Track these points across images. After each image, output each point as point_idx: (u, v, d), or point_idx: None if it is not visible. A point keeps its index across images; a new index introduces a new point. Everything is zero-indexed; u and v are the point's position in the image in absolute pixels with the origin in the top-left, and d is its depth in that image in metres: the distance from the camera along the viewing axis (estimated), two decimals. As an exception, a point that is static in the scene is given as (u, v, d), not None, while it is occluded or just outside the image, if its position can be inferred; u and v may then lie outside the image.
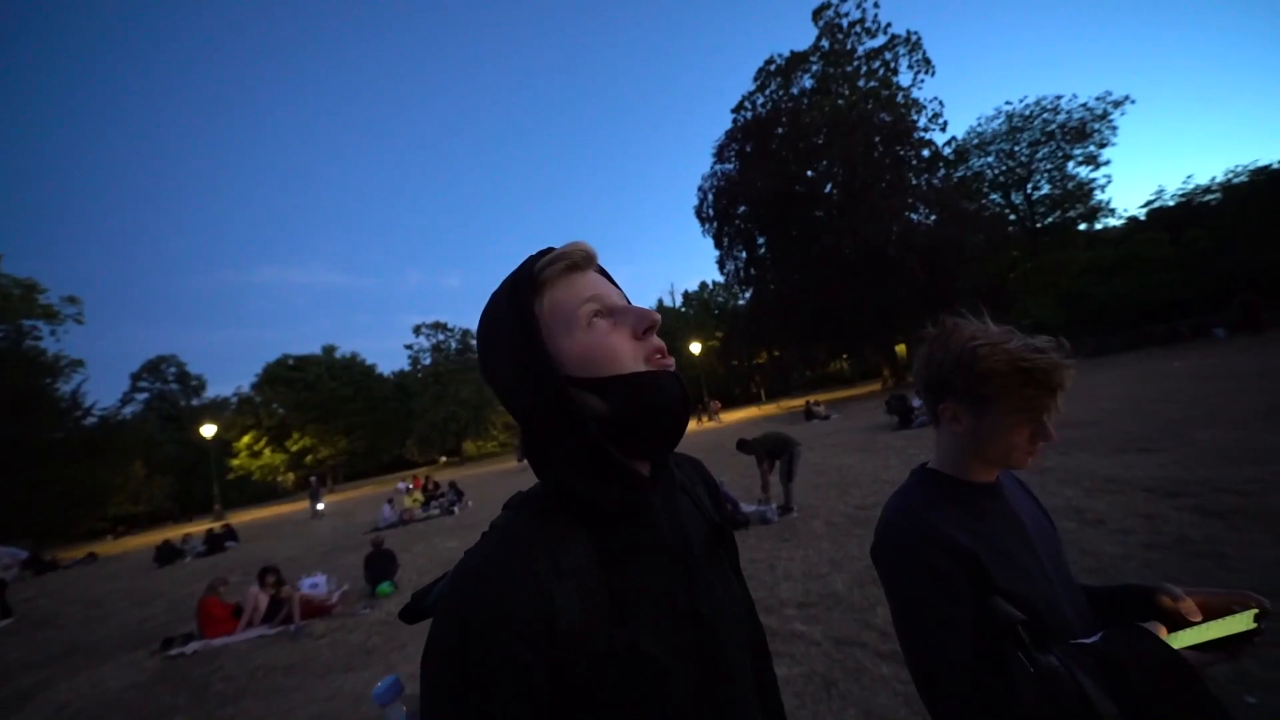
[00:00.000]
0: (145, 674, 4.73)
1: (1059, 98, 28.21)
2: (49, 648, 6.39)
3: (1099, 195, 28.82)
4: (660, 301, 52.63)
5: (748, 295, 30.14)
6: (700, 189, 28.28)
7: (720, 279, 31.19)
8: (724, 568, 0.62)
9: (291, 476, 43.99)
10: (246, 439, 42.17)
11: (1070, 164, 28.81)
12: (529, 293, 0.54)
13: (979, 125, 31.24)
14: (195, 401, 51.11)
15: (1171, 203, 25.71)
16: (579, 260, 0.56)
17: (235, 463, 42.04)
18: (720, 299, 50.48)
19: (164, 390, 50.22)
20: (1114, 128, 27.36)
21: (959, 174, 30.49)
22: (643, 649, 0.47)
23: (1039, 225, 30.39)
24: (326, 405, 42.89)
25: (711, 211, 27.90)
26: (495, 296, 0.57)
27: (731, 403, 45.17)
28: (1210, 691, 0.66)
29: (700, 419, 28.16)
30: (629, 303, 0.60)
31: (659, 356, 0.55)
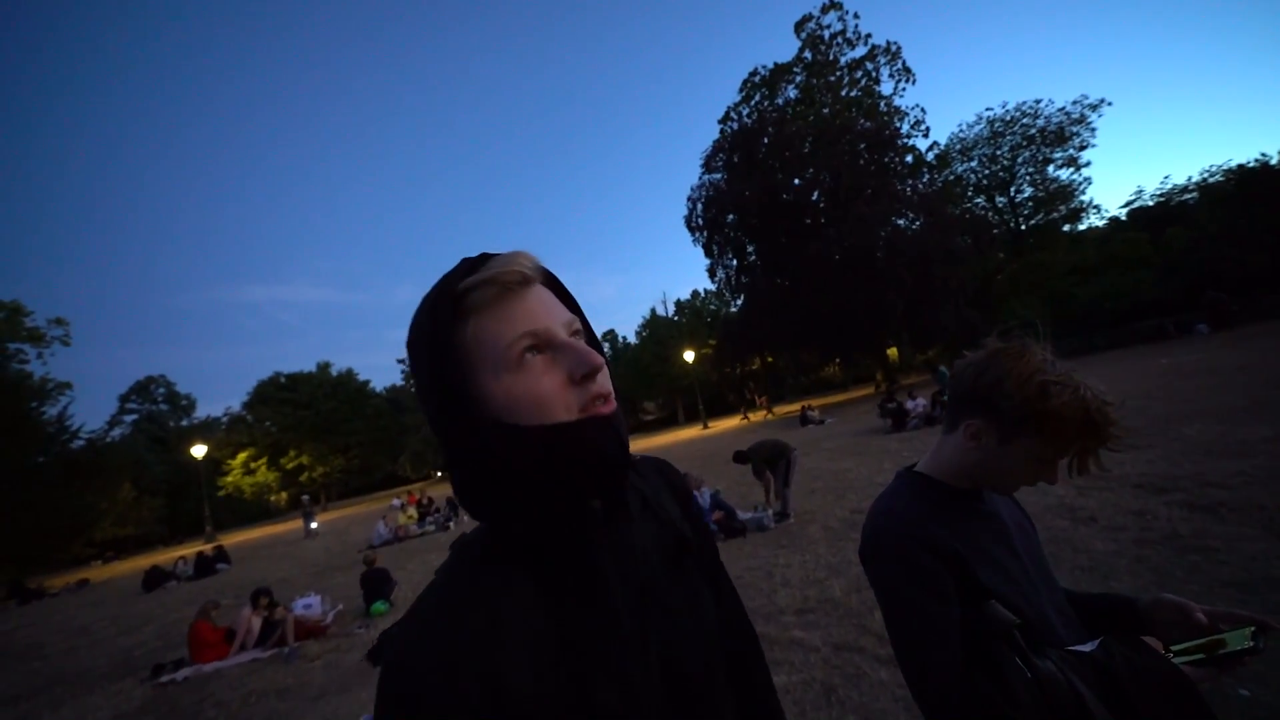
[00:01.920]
0: (133, 703, 4.62)
1: (1038, 102, 28.94)
2: (32, 679, 6.21)
3: (1081, 197, 29.48)
4: (653, 310, 52.81)
5: (739, 302, 30.37)
6: (690, 199, 28.62)
7: (712, 287, 31.41)
8: (693, 583, 0.57)
9: (284, 495, 43.34)
10: (242, 456, 41.58)
11: (1051, 167, 29.51)
12: (450, 317, 0.46)
13: (961, 131, 31.95)
14: (185, 422, 50.38)
15: (1151, 203, 26.34)
16: (511, 282, 0.47)
17: (228, 480, 41.38)
18: (713, 307, 50.74)
19: (153, 411, 49.46)
20: (1093, 130, 28.07)
21: (943, 179, 31.07)
22: (598, 700, 0.43)
23: (1023, 227, 30.97)
24: (321, 423, 42.41)
25: (701, 221, 28.20)
26: (417, 314, 0.49)
27: (724, 410, 45.25)
28: (1209, 709, 0.67)
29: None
30: (580, 325, 0.51)
31: (599, 403, 0.47)
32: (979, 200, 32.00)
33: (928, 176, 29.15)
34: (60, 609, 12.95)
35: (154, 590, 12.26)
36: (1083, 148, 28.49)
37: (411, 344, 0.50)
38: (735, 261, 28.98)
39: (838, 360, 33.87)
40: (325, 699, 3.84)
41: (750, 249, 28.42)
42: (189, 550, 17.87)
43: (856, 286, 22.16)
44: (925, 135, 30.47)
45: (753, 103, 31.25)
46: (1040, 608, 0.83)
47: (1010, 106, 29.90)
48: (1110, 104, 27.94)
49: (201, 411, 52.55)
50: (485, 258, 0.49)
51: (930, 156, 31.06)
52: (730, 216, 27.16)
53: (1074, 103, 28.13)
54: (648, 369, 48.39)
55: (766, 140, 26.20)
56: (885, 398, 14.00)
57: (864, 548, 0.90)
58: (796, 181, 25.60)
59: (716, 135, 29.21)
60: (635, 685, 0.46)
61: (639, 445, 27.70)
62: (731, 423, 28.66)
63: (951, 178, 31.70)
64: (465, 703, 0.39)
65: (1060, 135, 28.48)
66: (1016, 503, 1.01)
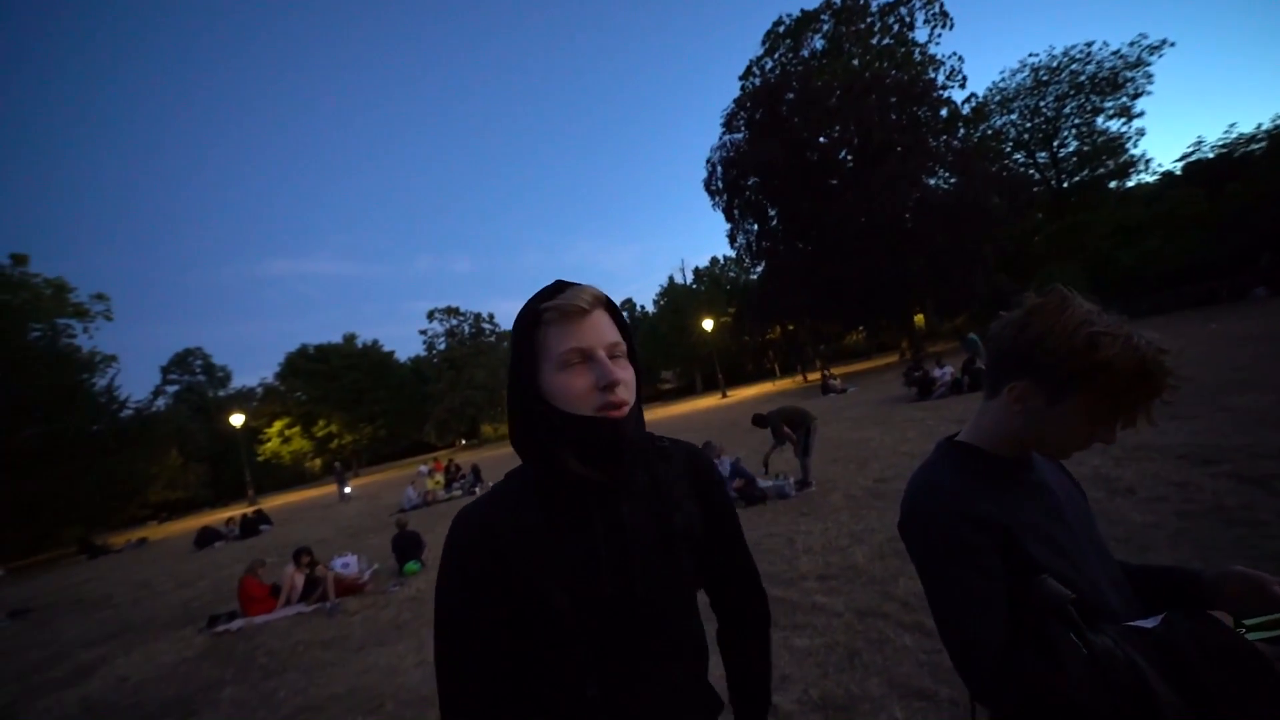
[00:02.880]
0: (194, 649, 4.99)
1: (1089, 46, 26.72)
2: (105, 626, 6.78)
3: (1132, 150, 27.47)
4: (671, 278, 52.17)
5: (759, 269, 29.69)
6: (709, 161, 27.64)
7: (731, 253, 30.70)
8: (675, 553, 0.74)
9: (318, 462, 45.35)
10: (278, 425, 43.46)
11: (1100, 118, 27.45)
12: (532, 327, 0.70)
13: (1001, 80, 29.83)
14: (222, 392, 52.62)
15: (1211, 155, 24.38)
16: (573, 312, 0.68)
17: (267, 447, 43.44)
18: (732, 274, 49.82)
19: (192, 382, 51.77)
20: (1150, 76, 25.88)
21: (979, 133, 29.23)
22: (551, 601, 0.67)
23: (1065, 184, 29.12)
24: (349, 393, 43.81)
25: (721, 184, 27.29)
26: (518, 315, 0.73)
27: (743, 379, 45.00)
28: None
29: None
30: (623, 343, 0.72)
31: (611, 408, 0.67)
32: (1018, 156, 30.10)
33: (963, 131, 27.45)
34: (124, 564, 14.00)
35: (205, 548, 13.12)
36: (1137, 95, 26.38)
37: (512, 331, 0.74)
38: (756, 226, 28.13)
39: (861, 328, 33.12)
40: (365, 650, 4.08)
41: (772, 213, 27.49)
42: (234, 512, 18.96)
43: (883, 250, 21.36)
44: (962, 86, 28.51)
45: (776, 56, 29.59)
46: (1094, 581, 0.79)
47: (1058, 52, 27.67)
48: (1173, 44, 25.60)
49: (237, 382, 54.70)
50: (562, 286, 0.71)
51: (966, 109, 29.17)
52: (751, 179, 26.20)
53: (1131, 44, 25.85)
54: (666, 338, 48.21)
55: (791, 96, 24.86)
56: (911, 366, 13.69)
57: (903, 521, 0.86)
58: (822, 139, 24.37)
59: (738, 93, 27.88)
60: (588, 600, 0.68)
61: (656, 414, 27.94)
62: (751, 391, 28.57)
63: (989, 132, 29.81)
64: (479, 537, 0.70)
65: (1113, 82, 26.33)
66: (1066, 470, 0.95)
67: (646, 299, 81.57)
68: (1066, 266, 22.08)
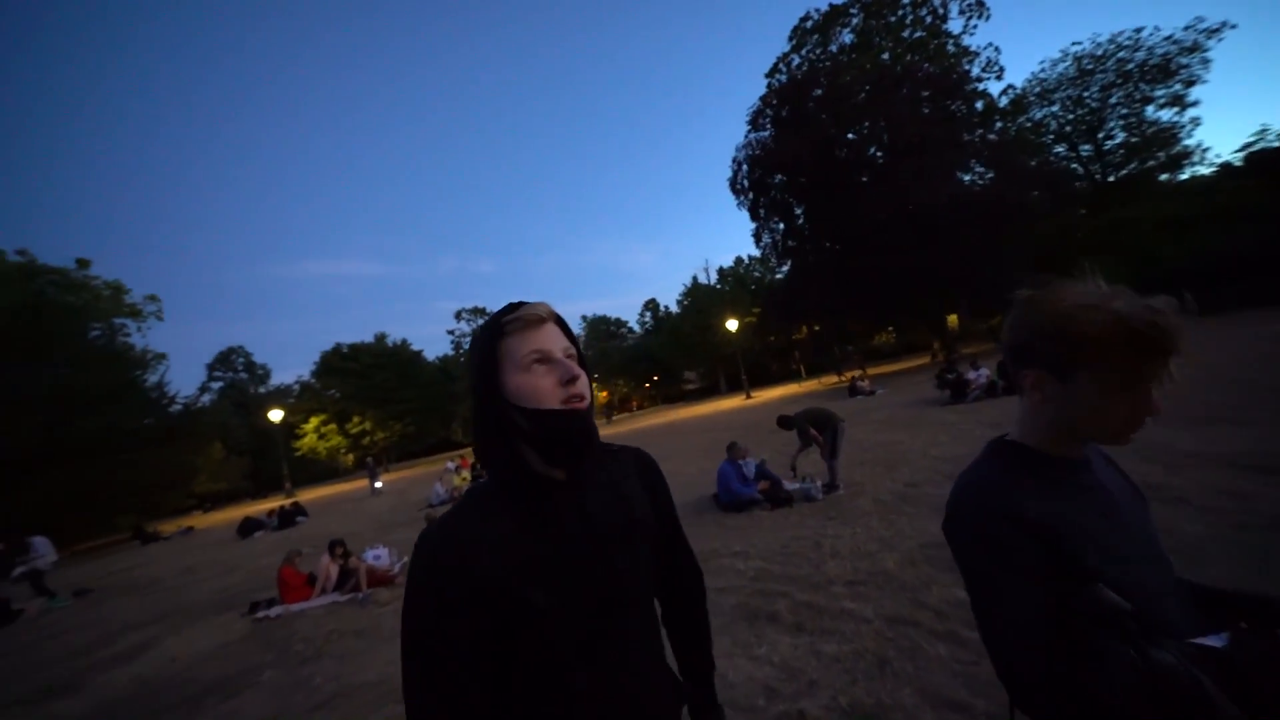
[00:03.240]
0: (236, 634, 5.23)
1: (1138, 32, 25.35)
2: (156, 608, 7.17)
3: (1185, 141, 25.92)
4: (695, 278, 51.93)
5: (785, 268, 29.25)
6: (735, 159, 27.37)
7: (757, 252, 30.32)
8: (633, 543, 0.79)
9: (351, 457, 46.86)
10: (314, 421, 45.12)
11: (1150, 108, 25.98)
12: (495, 338, 0.75)
13: (1041, 71, 28.58)
14: (262, 389, 54.93)
15: (1277, 144, 22.78)
16: (532, 320, 0.75)
17: (303, 443, 45.15)
18: (757, 273, 49.24)
19: (234, 379, 54.24)
20: (1207, 61, 24.34)
21: (1017, 126, 28.08)
22: (533, 600, 0.69)
23: (1110, 179, 27.72)
24: (379, 391, 45.11)
25: (746, 182, 27.01)
26: (475, 333, 0.78)
27: (768, 380, 44.44)
28: None
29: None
30: (574, 349, 0.78)
31: (575, 400, 0.73)
32: (1058, 149, 28.79)
33: (1000, 125, 26.46)
34: (172, 551, 14.76)
35: (247, 537, 13.71)
36: (1191, 83, 24.85)
37: (471, 348, 0.79)
38: (782, 225, 27.73)
39: (890, 328, 32.29)
40: (394, 640, 4.16)
41: (798, 211, 27.05)
42: (273, 504, 19.75)
43: (914, 248, 20.74)
44: (999, 78, 27.46)
45: (804, 52, 29.14)
46: (1153, 592, 0.75)
47: (1104, 39, 26.37)
48: (1234, 26, 24.01)
49: (275, 379, 57.06)
50: (518, 305, 0.77)
51: (1004, 102, 28.11)
52: (777, 177, 25.84)
53: (1186, 29, 24.36)
54: (689, 338, 48.00)
55: (818, 92, 24.43)
56: (944, 367, 13.28)
57: (947, 520, 0.85)
58: (851, 135, 23.87)
59: (764, 91, 27.53)
60: (565, 597, 0.71)
61: (679, 415, 27.83)
62: (775, 392, 28.19)
63: (1028, 125, 28.62)
64: (447, 552, 0.70)
65: (1165, 69, 24.88)
66: (1125, 475, 0.91)
67: (670, 299, 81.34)
68: (1108, 262, 21.00)
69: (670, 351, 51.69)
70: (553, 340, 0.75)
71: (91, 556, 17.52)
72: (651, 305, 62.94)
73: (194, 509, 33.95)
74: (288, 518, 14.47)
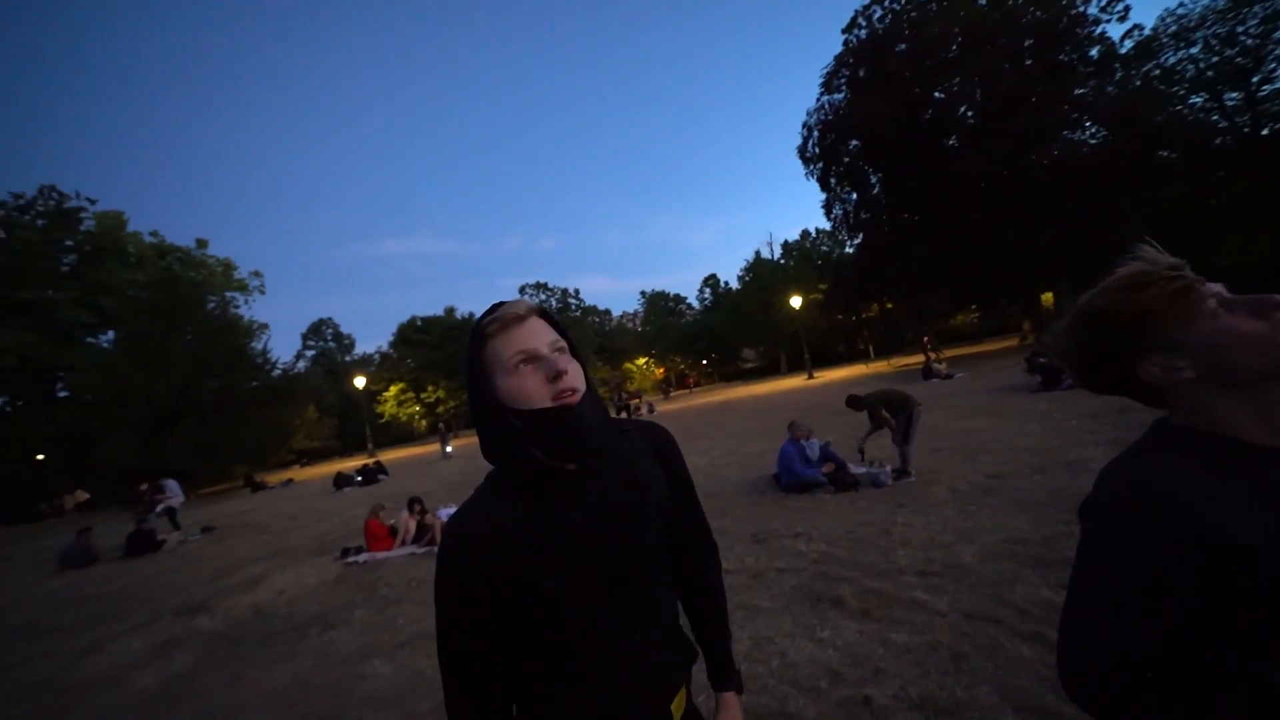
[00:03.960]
0: (331, 575, 5.85)
1: (1315, -50, 20.79)
2: (265, 549, 8.17)
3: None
4: (758, 253, 50.21)
5: (856, 242, 27.53)
6: (805, 125, 25.84)
7: (826, 226, 28.75)
8: (648, 519, 0.81)
9: (424, 423, 50.50)
10: (394, 389, 48.93)
11: (1329, 39, 21.35)
12: (479, 343, 0.76)
13: (1181, 5, 24.23)
14: (348, 358, 60.03)
15: None
16: (510, 320, 0.75)
17: (384, 409, 49.17)
18: (824, 248, 46.78)
19: (325, 348, 59.58)
20: None
21: (1142, 74, 24.17)
22: (543, 585, 0.72)
23: (1264, 132, 23.32)
24: (449, 362, 47.98)
25: (817, 150, 25.47)
26: (467, 338, 0.79)
27: (832, 360, 42.58)
28: None
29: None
30: (562, 342, 0.78)
31: (566, 395, 0.73)
32: (1197, 99, 24.53)
33: (1121, 74, 22.96)
34: (276, 499, 16.71)
35: (340, 490, 15.24)
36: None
37: (461, 356, 0.81)
38: (855, 195, 25.99)
39: (974, 307, 29.69)
40: (467, 593, 4.50)
41: (874, 180, 25.20)
42: (357, 462, 21.75)
43: (1008, 219, 18.73)
44: (1123, 18, 23.63)
45: (887, 2, 26.58)
46: None
47: (1268, -39, 21.90)
48: None
49: (359, 349, 62.05)
50: (498, 305, 0.77)
51: (1126, 46, 24.28)
52: (852, 143, 24.12)
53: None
54: (750, 315, 46.77)
55: (902, 47, 22.29)
56: (1036, 350, 12.08)
57: (1088, 508, 0.70)
58: (938, 94, 21.69)
59: (840, 49, 25.53)
60: (577, 581, 0.74)
61: (736, 393, 27.40)
62: (840, 373, 26.98)
63: (1156, 73, 24.62)
64: (466, 548, 0.74)
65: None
66: None
67: (731, 275, 79.36)
68: (1264, 237, 17.83)
69: (730, 328, 50.71)
70: (537, 337, 0.75)
71: (212, 500, 20.21)
72: (711, 281, 61.79)
73: (293, 463, 38.10)
74: (371, 475, 15.89)
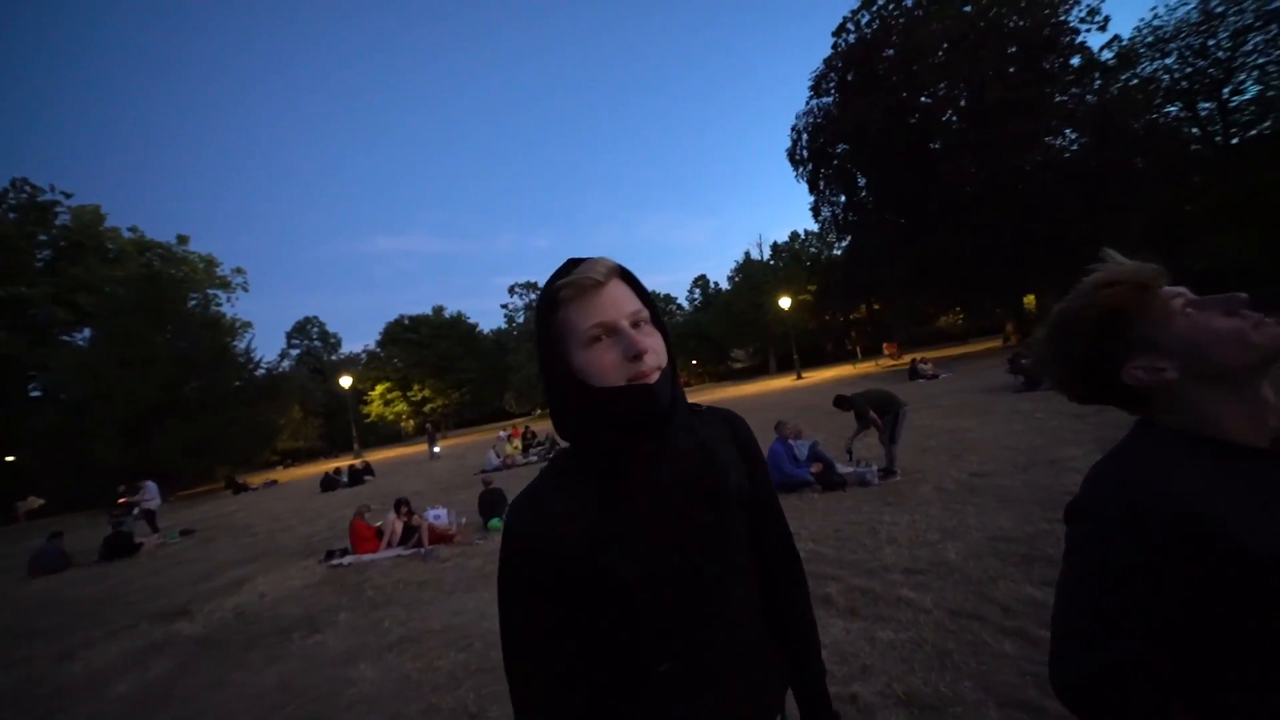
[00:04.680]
0: (315, 577, 5.77)
1: (1286, -35, 21.45)
2: (248, 551, 8.03)
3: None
4: (747, 254, 50.50)
5: (844, 244, 27.80)
6: (794, 128, 26.05)
7: (814, 227, 29.02)
8: (727, 508, 0.73)
9: (412, 423, 49.99)
10: (380, 389, 48.36)
11: (1300, 51, 22.02)
12: (551, 309, 0.69)
13: (1156, 17, 24.83)
14: (334, 357, 59.22)
15: None
16: (588, 286, 0.67)
17: (371, 409, 48.58)
18: (813, 249, 47.18)
19: (310, 347, 58.70)
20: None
21: (1121, 83, 24.74)
22: (618, 573, 0.65)
23: (1235, 140, 24.00)
24: (438, 361, 47.56)
25: (806, 152, 25.70)
26: (536, 302, 0.74)
27: (821, 361, 42.97)
28: None
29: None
30: (645, 311, 0.70)
31: (642, 376, 0.66)
32: (1172, 109, 25.16)
33: (1100, 82, 23.49)
34: (260, 500, 16.42)
35: (328, 491, 15.03)
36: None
37: (535, 320, 0.72)
38: (843, 197, 26.26)
39: (958, 309, 30.16)
40: (455, 594, 4.47)
41: (862, 182, 25.48)
42: (343, 463, 21.48)
43: (992, 222, 19.07)
44: (1103, 28, 24.18)
45: (875, 8, 26.89)
46: None
47: (1241, -25, 22.54)
48: None
49: (345, 348, 61.28)
50: (575, 263, 0.70)
51: (1107, 55, 24.82)
52: (840, 146, 24.36)
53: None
54: (740, 315, 47.01)
55: (890, 52, 22.59)
56: (1019, 351, 12.32)
57: (1075, 509, 0.69)
58: (925, 99, 22.01)
59: (829, 53, 25.75)
60: (654, 569, 0.67)
61: (726, 394, 27.52)
62: (828, 374, 27.22)
63: (1134, 81, 25.19)
64: (531, 530, 0.68)
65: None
66: None
67: (721, 275, 79.69)
68: (1236, 239, 18.32)
69: (720, 328, 50.93)
70: (616, 306, 0.67)
71: (192, 502, 19.81)
72: (701, 281, 61.98)
73: (277, 464, 37.52)
74: (357, 476, 15.69)
